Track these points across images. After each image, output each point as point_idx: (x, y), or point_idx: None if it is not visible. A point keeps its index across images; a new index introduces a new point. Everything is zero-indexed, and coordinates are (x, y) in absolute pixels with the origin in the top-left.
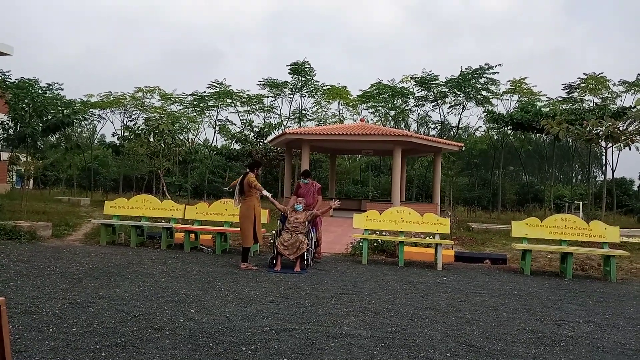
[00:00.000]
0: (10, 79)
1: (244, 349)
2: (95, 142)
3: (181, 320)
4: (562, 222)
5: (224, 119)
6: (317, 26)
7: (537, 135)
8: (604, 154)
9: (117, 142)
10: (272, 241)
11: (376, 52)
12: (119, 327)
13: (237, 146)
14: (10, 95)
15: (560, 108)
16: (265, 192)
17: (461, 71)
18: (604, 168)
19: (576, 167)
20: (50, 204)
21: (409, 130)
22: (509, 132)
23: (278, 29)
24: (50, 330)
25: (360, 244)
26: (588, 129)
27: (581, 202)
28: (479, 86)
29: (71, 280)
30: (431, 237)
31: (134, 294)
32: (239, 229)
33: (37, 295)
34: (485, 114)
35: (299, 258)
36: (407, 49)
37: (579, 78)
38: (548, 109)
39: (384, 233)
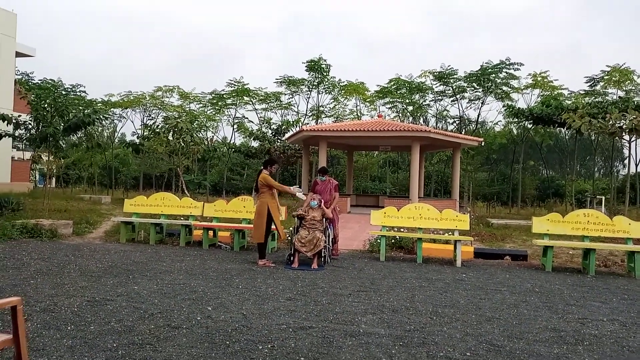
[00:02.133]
0: (34, 79)
1: (260, 347)
2: (116, 140)
3: (198, 318)
4: (585, 218)
5: (242, 116)
6: (331, 25)
7: (559, 129)
8: (628, 147)
9: (137, 140)
10: (289, 238)
11: (391, 50)
12: (136, 325)
13: (255, 144)
14: (33, 96)
15: (583, 101)
16: (295, 192)
17: (481, 66)
18: (627, 162)
19: (598, 161)
20: (71, 202)
21: (427, 126)
22: (529, 126)
23: (293, 28)
24: (69, 328)
25: (378, 240)
26: (611, 122)
27: (603, 197)
28: (498, 81)
29: (90, 278)
30: (450, 233)
31: (152, 291)
32: None
33: (56, 293)
34: (505, 108)
35: (317, 255)
36: (422, 46)
37: (602, 70)
38: (570, 102)
39: (402, 230)
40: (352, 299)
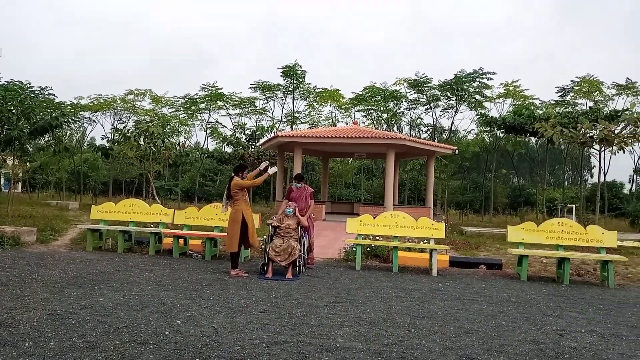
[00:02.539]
0: (0, 80)
1: None
2: (86, 145)
3: (167, 333)
4: (559, 227)
5: (215, 121)
6: (307, 30)
7: (529, 138)
8: (598, 157)
9: (107, 145)
10: (262, 246)
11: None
12: (100, 340)
13: (228, 149)
14: None
15: (554, 111)
16: (267, 169)
17: (455, 75)
18: (596, 171)
19: (567, 170)
20: (37, 207)
21: (401, 133)
22: (501, 135)
23: (268, 33)
24: (26, 345)
25: (354, 249)
26: (582, 132)
27: (574, 206)
28: (472, 90)
29: (53, 289)
30: (425, 242)
31: (118, 303)
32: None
33: (15, 305)
34: (478, 117)
35: (291, 264)
36: (396, 55)
37: (571, 81)
38: (541, 112)
39: (377, 238)
40: (327, 310)
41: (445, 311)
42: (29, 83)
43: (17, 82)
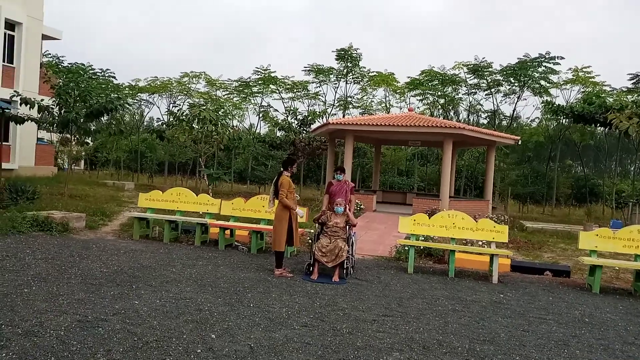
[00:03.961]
0: (64, 63)
1: None
2: (145, 125)
3: (198, 351)
4: (639, 235)
5: (267, 105)
6: (358, 9)
7: (600, 128)
8: None
9: (162, 127)
10: (309, 241)
11: (420, 39)
12: (125, 358)
13: (280, 134)
14: (60, 80)
15: (628, 100)
16: (295, 209)
17: (519, 59)
18: None
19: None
20: (94, 187)
21: (458, 119)
22: (567, 124)
23: (321, 15)
24: None
25: (406, 248)
26: None
27: None
28: (537, 75)
29: (90, 287)
30: (484, 244)
31: (153, 308)
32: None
33: (47, 308)
34: (543, 104)
35: (338, 266)
36: (451, 35)
37: None
38: (612, 100)
39: (432, 239)
40: (376, 326)
41: (508, 333)
42: (91, 65)
43: (79, 65)
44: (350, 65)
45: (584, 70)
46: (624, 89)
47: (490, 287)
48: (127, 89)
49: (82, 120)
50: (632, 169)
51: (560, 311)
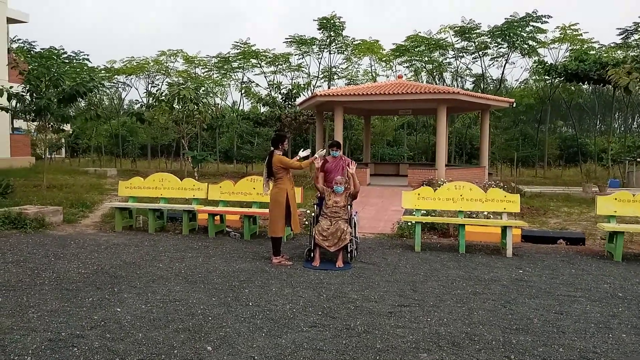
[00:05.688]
0: (36, 49)
1: None
2: (125, 108)
3: None
4: None
5: (249, 80)
6: None
7: (594, 86)
8: None
9: (141, 109)
10: (306, 223)
11: (404, 2)
12: None
13: (264, 109)
14: (31, 66)
15: (617, 55)
16: (315, 161)
17: (506, 19)
18: None
19: (619, 118)
20: (75, 176)
21: (444, 85)
22: (558, 83)
23: None
24: None
25: (409, 223)
26: None
27: None
28: (525, 35)
29: (65, 294)
30: (489, 215)
31: (138, 316)
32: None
33: (12, 325)
34: (536, 65)
35: (341, 250)
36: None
37: (634, 22)
38: (605, 56)
39: (436, 213)
40: (394, 320)
41: (541, 317)
42: (62, 48)
43: (51, 49)
44: (333, 34)
45: (572, 28)
46: (613, 45)
47: (506, 262)
48: (102, 71)
49: (55, 106)
50: (617, 125)
51: (589, 286)
